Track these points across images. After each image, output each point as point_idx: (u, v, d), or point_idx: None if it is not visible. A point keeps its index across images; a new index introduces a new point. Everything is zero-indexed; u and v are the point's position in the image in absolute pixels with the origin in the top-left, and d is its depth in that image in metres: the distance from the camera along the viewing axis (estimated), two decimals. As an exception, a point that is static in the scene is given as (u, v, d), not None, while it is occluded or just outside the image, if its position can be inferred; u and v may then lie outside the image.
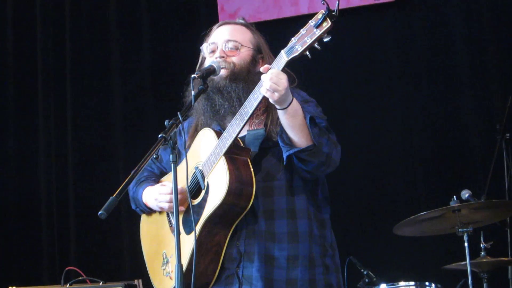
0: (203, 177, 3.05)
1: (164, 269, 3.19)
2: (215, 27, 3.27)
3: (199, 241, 2.94)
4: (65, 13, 6.50)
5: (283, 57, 2.79)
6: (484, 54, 5.72)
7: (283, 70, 2.84)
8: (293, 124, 2.87)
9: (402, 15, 5.93)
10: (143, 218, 3.39)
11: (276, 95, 2.79)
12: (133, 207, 3.38)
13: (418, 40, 5.87)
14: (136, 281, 4.42)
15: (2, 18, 6.54)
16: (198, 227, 2.96)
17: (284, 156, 2.96)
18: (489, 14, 5.73)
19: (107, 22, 6.48)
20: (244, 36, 3.20)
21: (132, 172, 2.68)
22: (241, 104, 2.98)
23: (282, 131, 2.93)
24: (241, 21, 3.27)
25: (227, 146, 2.95)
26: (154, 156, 2.72)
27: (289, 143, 2.91)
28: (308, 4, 6.00)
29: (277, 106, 2.87)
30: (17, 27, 6.53)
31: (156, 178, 3.36)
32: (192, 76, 2.97)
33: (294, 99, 2.86)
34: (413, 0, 5.90)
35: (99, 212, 2.59)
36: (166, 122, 2.78)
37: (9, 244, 6.17)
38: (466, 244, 4.21)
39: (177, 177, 2.70)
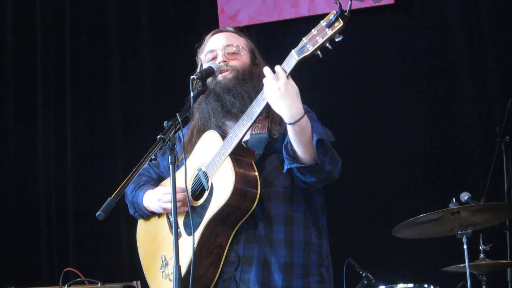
0: (206, 178, 3.04)
1: (163, 272, 3.16)
2: (208, 36, 3.26)
3: (201, 243, 2.94)
4: (65, 16, 6.49)
5: (293, 57, 2.76)
6: (484, 56, 5.71)
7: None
8: (299, 139, 2.84)
9: (401, 17, 5.92)
10: (140, 222, 3.36)
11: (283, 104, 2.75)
12: (131, 212, 3.34)
13: (418, 42, 5.87)
14: (134, 283, 4.41)
15: (2, 25, 6.55)
16: (201, 228, 2.95)
17: (285, 168, 2.95)
18: (489, 16, 5.72)
19: (107, 20, 6.47)
20: (241, 41, 3.21)
21: (131, 173, 2.68)
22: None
23: (288, 142, 2.90)
24: (231, 29, 3.27)
25: (233, 146, 2.93)
26: (153, 157, 2.72)
27: (293, 155, 2.89)
28: (308, 6, 6.00)
29: (285, 120, 2.83)
30: (17, 33, 6.54)
31: (155, 183, 3.33)
32: (191, 77, 2.95)
33: (305, 116, 2.82)
34: (412, 2, 5.89)
35: (97, 213, 2.58)
36: (164, 123, 2.78)
37: (8, 245, 6.18)
38: (465, 246, 4.21)
39: (176, 180, 2.68)
